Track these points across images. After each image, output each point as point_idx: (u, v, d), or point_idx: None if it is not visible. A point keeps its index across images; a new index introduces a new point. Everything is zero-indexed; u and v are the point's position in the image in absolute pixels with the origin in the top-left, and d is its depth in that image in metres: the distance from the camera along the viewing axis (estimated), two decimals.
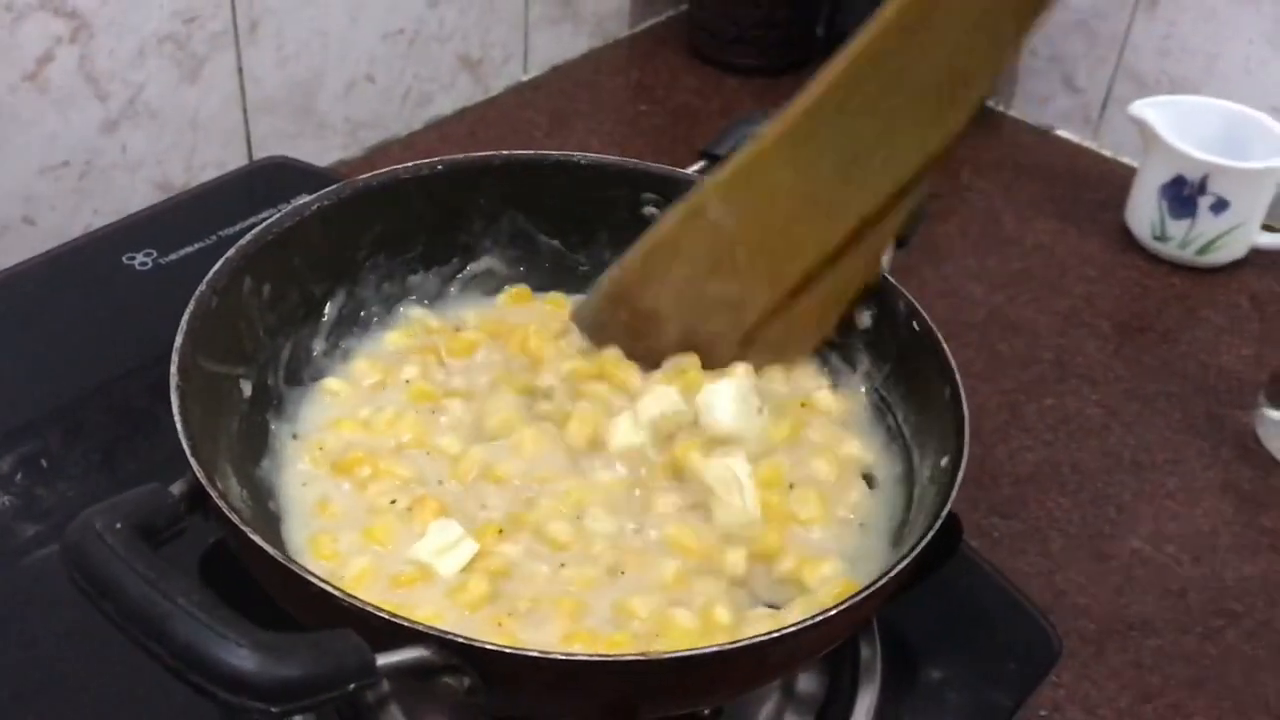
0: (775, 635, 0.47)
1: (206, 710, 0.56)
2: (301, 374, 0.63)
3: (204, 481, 0.47)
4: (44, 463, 0.68)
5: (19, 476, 0.67)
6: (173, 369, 0.52)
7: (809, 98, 0.57)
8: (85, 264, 0.81)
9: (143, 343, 0.74)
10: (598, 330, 0.65)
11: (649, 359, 0.63)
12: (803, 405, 0.65)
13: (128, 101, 0.88)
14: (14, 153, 0.84)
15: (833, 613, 0.48)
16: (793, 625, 0.47)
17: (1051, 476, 0.81)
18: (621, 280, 0.64)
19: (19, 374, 0.73)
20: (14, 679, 0.59)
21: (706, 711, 0.60)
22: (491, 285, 0.70)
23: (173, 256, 0.80)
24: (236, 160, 0.96)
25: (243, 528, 0.46)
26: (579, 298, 0.69)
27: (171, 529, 0.46)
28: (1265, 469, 0.83)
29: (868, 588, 0.49)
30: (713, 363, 0.63)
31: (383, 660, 0.43)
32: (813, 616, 0.47)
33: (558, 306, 0.69)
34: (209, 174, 0.94)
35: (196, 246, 0.81)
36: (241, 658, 0.40)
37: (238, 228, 0.81)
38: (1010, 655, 0.65)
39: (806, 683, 0.63)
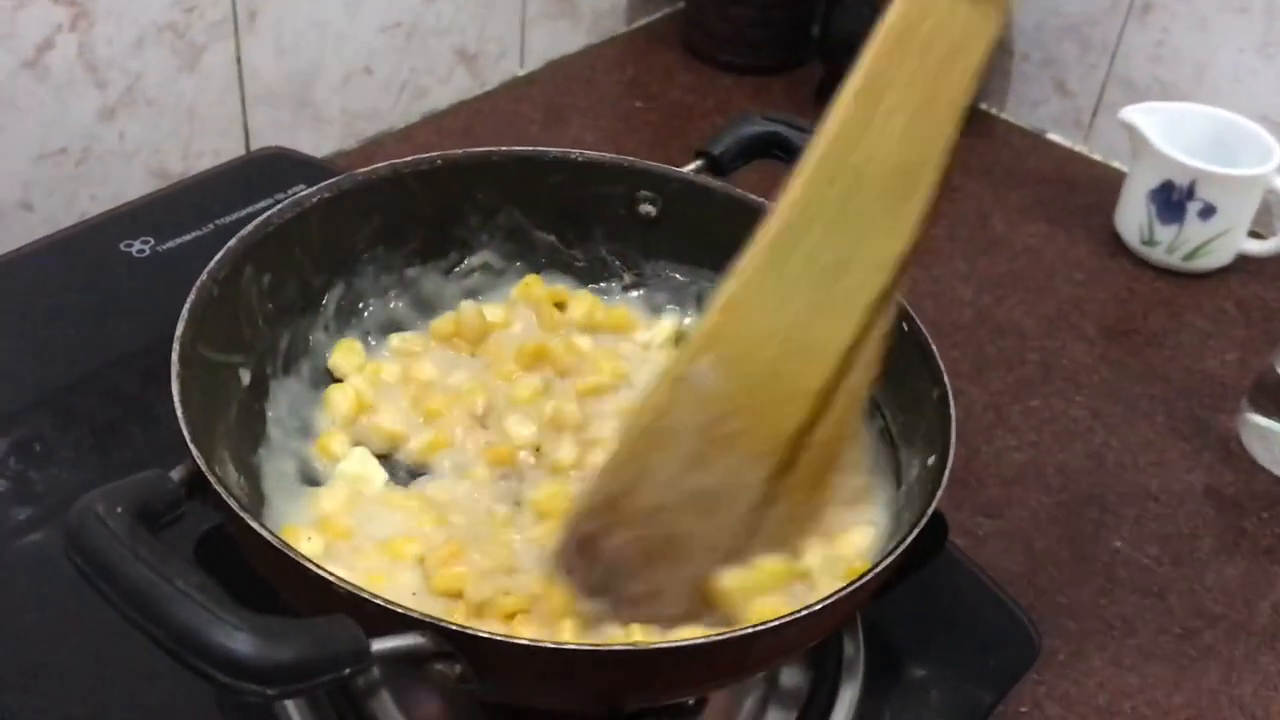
0: (760, 628, 0.48)
1: (199, 694, 0.57)
2: (300, 364, 0.64)
3: (204, 468, 0.48)
4: (38, 447, 0.68)
5: (12, 460, 0.67)
6: (174, 356, 0.52)
7: (780, 219, 0.54)
8: (82, 250, 0.81)
9: (138, 329, 0.74)
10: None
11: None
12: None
13: (126, 89, 0.88)
14: (12, 138, 0.84)
15: (817, 608, 0.48)
16: (777, 619, 0.48)
17: (1036, 477, 0.82)
18: (605, 489, 0.55)
19: (14, 359, 0.73)
20: (5, 662, 0.59)
21: (691, 702, 0.61)
22: (489, 278, 0.71)
23: (169, 244, 0.80)
24: (233, 149, 0.96)
25: (242, 514, 0.47)
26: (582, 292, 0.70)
27: (171, 514, 0.47)
28: (1247, 473, 0.84)
29: (852, 584, 0.49)
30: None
31: (377, 646, 0.43)
32: (797, 611, 0.48)
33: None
34: (206, 163, 0.94)
35: (193, 235, 0.81)
36: (239, 641, 0.40)
37: (234, 217, 0.81)
38: (991, 652, 0.66)
39: (790, 677, 0.64)
